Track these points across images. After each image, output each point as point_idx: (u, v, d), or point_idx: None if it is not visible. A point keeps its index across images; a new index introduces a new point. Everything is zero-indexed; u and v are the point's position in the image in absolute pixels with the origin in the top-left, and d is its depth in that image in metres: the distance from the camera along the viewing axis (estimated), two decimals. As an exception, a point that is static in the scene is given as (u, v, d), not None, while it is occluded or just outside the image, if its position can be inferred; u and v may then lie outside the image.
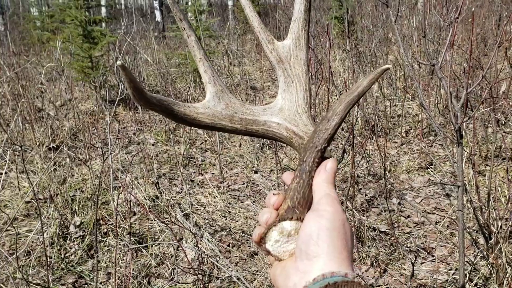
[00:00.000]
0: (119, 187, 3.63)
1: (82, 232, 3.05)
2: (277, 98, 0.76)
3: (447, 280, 2.49)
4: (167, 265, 2.75)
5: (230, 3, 15.24)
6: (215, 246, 2.89)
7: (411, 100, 5.31)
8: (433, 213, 3.20)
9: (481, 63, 4.64)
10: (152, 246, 2.91)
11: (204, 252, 2.80)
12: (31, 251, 2.84)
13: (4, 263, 2.69)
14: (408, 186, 3.61)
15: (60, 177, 3.79)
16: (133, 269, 2.66)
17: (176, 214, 3.26)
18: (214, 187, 3.68)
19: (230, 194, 3.63)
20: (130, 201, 3.26)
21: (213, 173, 4.06)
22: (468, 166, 3.52)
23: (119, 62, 0.59)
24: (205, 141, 4.80)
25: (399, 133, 4.59)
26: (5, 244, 2.95)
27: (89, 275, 2.67)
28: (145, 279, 2.61)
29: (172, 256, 2.83)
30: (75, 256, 2.84)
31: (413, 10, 6.96)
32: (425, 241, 2.88)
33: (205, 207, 3.44)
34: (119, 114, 5.84)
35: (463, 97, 1.76)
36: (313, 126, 0.72)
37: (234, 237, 3.03)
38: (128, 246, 2.78)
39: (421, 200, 3.39)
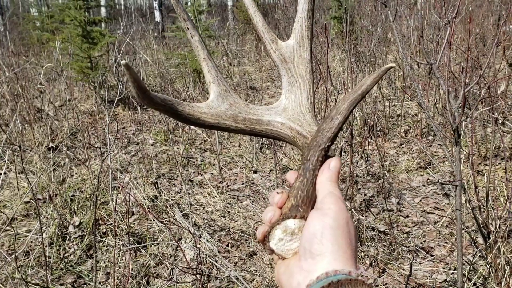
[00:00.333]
0: (118, 187, 3.64)
1: (81, 232, 3.05)
2: (281, 98, 0.76)
3: (445, 280, 2.49)
4: (166, 265, 2.75)
5: (229, 3, 15.24)
6: (214, 246, 2.89)
7: (410, 100, 5.31)
8: (432, 213, 3.20)
9: (480, 63, 4.64)
10: (151, 246, 2.91)
11: (203, 252, 2.80)
12: (30, 251, 2.84)
13: (3, 263, 2.69)
14: (407, 186, 3.61)
15: (59, 177, 3.79)
16: (132, 269, 2.66)
17: (175, 214, 3.26)
18: (213, 187, 3.68)
19: (229, 194, 3.63)
20: (129, 201, 3.26)
21: (212, 173, 4.06)
22: (467, 165, 3.52)
23: (123, 62, 0.59)
24: (204, 141, 4.80)
25: (398, 133, 4.59)
26: (4, 244, 2.95)
27: (88, 275, 2.68)
28: (144, 279, 2.61)
29: (171, 256, 2.83)
30: (74, 256, 2.84)
31: (412, 10, 6.96)
32: (424, 241, 2.88)
33: (204, 207, 3.44)
34: (119, 114, 5.84)
35: (461, 96, 1.77)
36: (317, 125, 0.72)
37: (233, 237, 3.03)
38: (127, 246, 2.78)
39: (420, 200, 3.39)
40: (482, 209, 2.38)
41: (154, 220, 3.16)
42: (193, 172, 4.08)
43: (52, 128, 4.82)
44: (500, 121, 4.01)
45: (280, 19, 8.92)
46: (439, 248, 2.79)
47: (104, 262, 2.79)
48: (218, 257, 2.77)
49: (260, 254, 2.81)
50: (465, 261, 2.51)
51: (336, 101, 3.53)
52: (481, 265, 2.50)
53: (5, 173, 3.84)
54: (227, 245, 2.95)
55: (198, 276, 2.50)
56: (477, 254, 2.57)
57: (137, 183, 3.67)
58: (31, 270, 2.67)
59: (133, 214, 3.33)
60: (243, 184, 3.81)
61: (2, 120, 4.99)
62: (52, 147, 4.42)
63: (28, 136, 4.63)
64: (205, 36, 7.08)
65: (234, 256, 2.84)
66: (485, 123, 4.07)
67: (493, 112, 3.26)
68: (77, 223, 3.12)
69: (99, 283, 2.60)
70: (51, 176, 3.69)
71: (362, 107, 4.52)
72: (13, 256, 2.49)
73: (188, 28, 0.75)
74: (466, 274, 2.41)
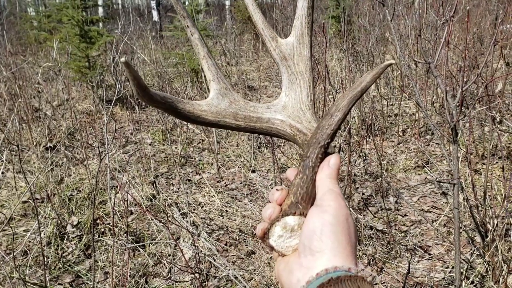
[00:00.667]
0: (116, 186, 3.63)
1: (79, 232, 3.05)
2: (281, 95, 0.76)
3: (443, 278, 2.50)
4: (164, 264, 2.75)
5: (227, 2, 15.23)
6: (212, 245, 2.89)
7: (408, 99, 5.32)
8: (430, 212, 3.21)
9: (477, 62, 4.65)
10: (149, 246, 2.91)
11: (201, 251, 2.80)
12: (28, 251, 2.84)
13: (1, 263, 2.69)
14: (405, 185, 3.62)
15: (57, 176, 3.78)
16: (130, 268, 2.66)
17: (173, 214, 3.26)
18: (212, 187, 3.68)
19: (228, 194, 3.63)
20: (127, 200, 3.26)
21: (210, 173, 4.06)
22: (465, 164, 3.53)
23: (122, 59, 0.59)
24: (203, 140, 4.80)
25: (396, 132, 4.60)
26: (2, 244, 2.95)
27: (87, 275, 2.67)
28: (142, 278, 2.61)
29: (169, 255, 2.83)
30: (72, 256, 2.84)
31: (409, 10, 6.97)
32: (422, 240, 2.89)
33: (202, 207, 3.44)
34: (116, 114, 5.84)
35: (458, 95, 1.77)
36: (317, 123, 0.71)
37: (231, 236, 3.03)
38: (126, 246, 2.78)
39: (418, 199, 3.40)
40: (480, 208, 2.39)
41: (152, 220, 3.16)
42: (191, 172, 4.08)
43: (50, 128, 4.81)
44: (497, 120, 4.02)
45: (278, 19, 8.92)
46: (437, 247, 2.80)
47: (103, 262, 2.79)
48: (216, 256, 2.77)
49: (258, 253, 2.81)
50: (463, 259, 2.52)
51: (334, 100, 3.53)
52: (478, 264, 2.51)
53: (2, 172, 3.83)
54: (226, 244, 2.95)
55: (196, 275, 2.50)
56: (474, 252, 2.58)
57: (135, 182, 3.67)
58: (29, 270, 2.67)
59: (132, 213, 3.33)
60: (241, 183, 3.82)
61: (0, 120, 4.98)
62: (50, 146, 4.41)
63: (26, 135, 4.63)
64: (203, 36, 7.07)
65: (233, 255, 2.85)
66: (483, 122, 4.08)
67: (490, 111, 3.27)
68: (75, 223, 3.11)
69: (98, 282, 2.60)
70: (49, 175, 3.68)
71: (360, 106, 4.53)
72: (11, 255, 2.49)
73: (187, 26, 0.75)
74: (464, 273, 2.42)
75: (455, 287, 2.00)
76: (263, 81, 7.44)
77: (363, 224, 2.92)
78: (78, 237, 3.01)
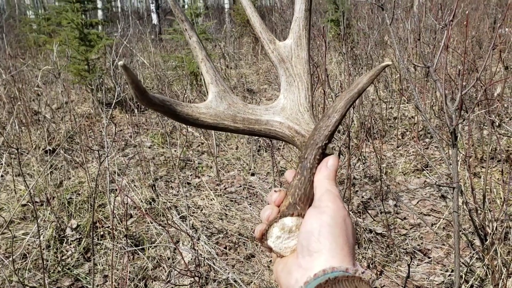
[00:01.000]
0: (116, 189, 3.63)
1: (79, 235, 3.05)
2: (279, 97, 0.76)
3: (443, 282, 2.50)
4: (163, 267, 2.74)
5: (226, 6, 15.26)
6: (211, 248, 2.89)
7: (407, 103, 5.34)
8: (429, 215, 3.21)
9: (476, 65, 4.66)
10: (148, 249, 2.90)
11: (201, 254, 2.80)
12: (27, 254, 2.83)
13: (0, 266, 2.68)
14: (404, 188, 3.62)
15: (56, 180, 3.78)
16: (129, 271, 2.65)
17: (172, 217, 3.26)
18: (211, 190, 3.68)
19: (227, 197, 3.63)
20: (127, 203, 3.26)
21: (209, 176, 4.06)
22: (464, 168, 3.53)
23: (121, 63, 0.59)
24: (202, 143, 4.81)
25: (395, 135, 4.61)
26: (1, 247, 2.95)
27: (86, 278, 2.67)
28: (141, 282, 2.61)
29: (168, 258, 2.83)
30: (71, 259, 2.84)
31: (408, 13, 6.99)
32: (421, 243, 2.89)
33: (201, 210, 3.44)
34: (116, 117, 5.84)
35: (457, 98, 1.78)
36: (315, 124, 0.72)
37: (231, 240, 3.03)
38: (125, 249, 2.77)
39: (417, 202, 3.40)
40: (479, 211, 2.40)
41: (151, 223, 3.16)
42: (191, 175, 4.08)
43: (49, 131, 4.81)
44: (496, 124, 4.03)
45: (277, 22, 8.94)
46: (436, 250, 2.80)
47: (102, 265, 2.78)
48: (216, 260, 2.77)
49: (258, 256, 2.81)
50: (462, 263, 2.52)
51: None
52: (478, 267, 2.51)
53: (2, 176, 3.83)
54: (225, 248, 2.95)
55: (196, 278, 2.50)
56: (474, 256, 2.58)
57: (135, 185, 3.67)
58: (28, 273, 2.67)
59: (131, 216, 3.32)
60: (240, 186, 3.82)
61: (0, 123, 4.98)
62: (49, 149, 4.41)
63: (25, 138, 4.62)
64: (202, 39, 7.09)
65: (232, 259, 2.84)
66: (482, 125, 4.09)
67: (489, 114, 3.28)
68: (74, 226, 3.11)
69: (97, 286, 2.60)
70: (48, 178, 3.68)
71: (359, 109, 4.54)
72: (11, 259, 2.48)
73: (186, 29, 0.76)
74: (464, 276, 2.42)
75: (455, 291, 2.00)
76: (262, 84, 7.45)
77: (363, 228, 2.92)
78: (78, 240, 3.01)
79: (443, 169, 3.84)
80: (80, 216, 3.29)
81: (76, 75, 5.97)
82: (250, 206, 3.45)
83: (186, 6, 9.06)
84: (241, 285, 2.42)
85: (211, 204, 3.50)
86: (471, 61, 4.15)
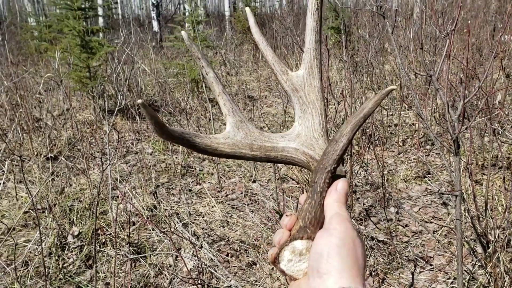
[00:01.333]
0: (118, 197, 3.63)
1: (81, 242, 3.04)
2: (294, 125, 0.79)
3: (445, 289, 2.50)
4: (165, 275, 2.74)
5: (227, 13, 15.34)
6: (213, 255, 2.89)
7: (408, 110, 5.35)
8: (431, 222, 3.21)
9: (477, 73, 4.68)
10: (150, 256, 2.90)
11: (203, 262, 2.80)
12: (29, 262, 2.83)
13: (2, 273, 2.68)
14: (405, 195, 3.62)
15: (58, 187, 3.78)
16: (131, 279, 2.65)
17: (174, 224, 3.26)
18: (212, 197, 3.68)
19: (228, 204, 3.64)
20: (129, 211, 3.26)
21: (211, 183, 4.06)
22: (465, 175, 3.54)
23: (139, 101, 0.62)
24: (203, 150, 4.80)
25: (396, 143, 4.61)
26: (3, 255, 2.94)
27: (88, 286, 2.67)
28: (143, 289, 2.60)
29: (170, 266, 2.82)
30: (73, 267, 2.83)
31: (408, 21, 7.03)
32: (423, 250, 2.89)
33: (203, 217, 3.44)
34: (117, 124, 5.85)
35: (460, 107, 1.79)
36: None
37: (232, 247, 3.03)
38: (127, 256, 2.77)
39: (419, 209, 3.40)
40: (481, 219, 2.40)
41: (153, 230, 3.16)
42: (192, 182, 4.08)
43: (51, 138, 4.82)
44: (498, 131, 4.04)
45: (278, 30, 8.99)
46: (438, 258, 2.80)
47: (104, 273, 2.78)
48: (218, 267, 2.77)
49: (260, 264, 2.81)
50: (464, 270, 2.52)
51: (335, 110, 3.55)
52: (480, 275, 2.51)
53: (4, 183, 3.83)
54: (227, 255, 2.95)
55: (198, 286, 2.49)
56: (476, 263, 2.58)
57: (136, 192, 3.67)
58: (30, 281, 2.66)
59: (133, 224, 3.32)
60: (242, 193, 3.82)
61: (1, 130, 4.99)
62: (51, 156, 4.42)
63: (26, 145, 4.63)
64: (203, 46, 7.12)
65: (234, 266, 2.84)
66: (483, 132, 4.10)
67: (491, 122, 3.29)
68: (76, 233, 3.11)
69: (99, 293, 2.59)
70: (50, 186, 3.68)
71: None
72: (12, 266, 2.48)
73: (203, 66, 0.79)
74: (466, 284, 2.42)
75: (458, 299, 2.00)
76: (263, 91, 7.47)
77: (365, 235, 2.92)
78: (79, 247, 3.01)
79: (445, 176, 3.84)
80: (81, 223, 3.29)
81: (78, 82, 5.99)
82: (252, 213, 3.45)
83: (187, 14, 9.11)
84: (243, 293, 2.42)
85: (212, 211, 3.50)
86: (472, 69, 4.17)
